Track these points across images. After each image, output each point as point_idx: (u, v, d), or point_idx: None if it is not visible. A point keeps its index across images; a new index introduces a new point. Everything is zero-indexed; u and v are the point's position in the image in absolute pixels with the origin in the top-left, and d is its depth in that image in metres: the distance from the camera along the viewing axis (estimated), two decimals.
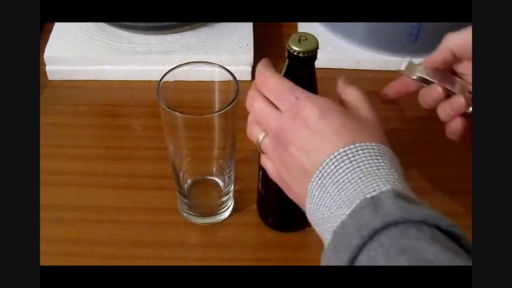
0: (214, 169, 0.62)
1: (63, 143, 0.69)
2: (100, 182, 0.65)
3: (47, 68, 0.76)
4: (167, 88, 0.53)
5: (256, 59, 0.75)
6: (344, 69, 0.77)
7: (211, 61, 0.57)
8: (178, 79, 0.55)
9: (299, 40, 0.49)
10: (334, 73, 0.71)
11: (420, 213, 0.39)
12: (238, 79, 0.54)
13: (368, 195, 0.40)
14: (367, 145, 0.43)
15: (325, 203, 0.42)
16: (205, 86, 0.58)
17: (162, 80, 0.54)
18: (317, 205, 0.43)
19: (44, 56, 0.75)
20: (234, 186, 0.62)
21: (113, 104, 0.75)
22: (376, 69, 0.78)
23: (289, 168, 0.46)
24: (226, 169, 0.60)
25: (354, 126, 0.44)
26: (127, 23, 0.77)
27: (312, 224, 0.45)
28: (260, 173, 0.57)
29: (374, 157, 0.42)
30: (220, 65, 0.55)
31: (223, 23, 0.79)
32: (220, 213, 0.62)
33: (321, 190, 0.42)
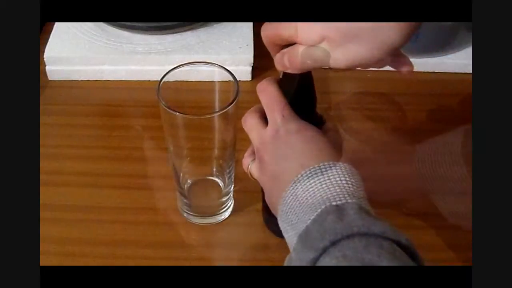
0: (214, 169, 0.62)
1: (63, 143, 0.69)
2: (100, 182, 0.65)
3: (47, 68, 0.76)
4: (167, 88, 0.53)
5: (256, 59, 0.75)
6: (344, 69, 0.77)
7: (211, 61, 0.57)
8: (178, 79, 0.55)
9: None
10: (334, 73, 0.71)
11: (381, 227, 0.40)
12: (238, 79, 0.54)
13: (334, 203, 0.42)
14: (340, 164, 0.45)
15: (294, 209, 0.44)
16: (205, 86, 0.58)
17: (162, 81, 0.54)
18: (287, 212, 0.45)
19: (44, 56, 0.75)
20: (234, 186, 0.62)
21: (113, 104, 0.75)
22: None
23: (265, 178, 0.49)
24: (226, 169, 0.60)
25: (326, 146, 0.47)
26: (127, 23, 0.77)
27: (282, 231, 0.47)
28: None
29: (345, 174, 0.45)
30: (220, 65, 0.55)
31: (223, 23, 0.79)
32: (220, 214, 0.62)
33: (293, 198, 0.45)
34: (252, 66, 0.76)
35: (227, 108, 0.52)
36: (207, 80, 0.58)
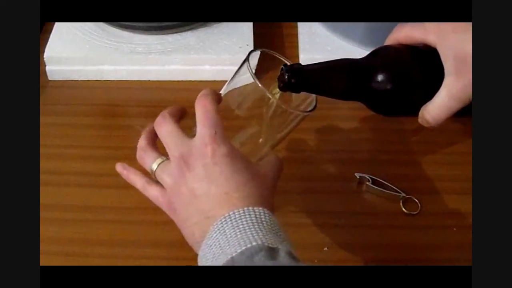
0: None
1: (63, 143, 0.69)
2: (100, 182, 0.65)
3: (47, 68, 0.76)
4: (164, 88, 0.53)
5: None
6: None
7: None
8: (178, 79, 0.55)
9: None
10: None
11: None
12: None
13: (266, 244, 0.42)
14: (269, 212, 0.45)
15: (219, 243, 0.43)
16: (206, 86, 0.58)
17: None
18: (210, 246, 0.44)
19: (44, 56, 0.75)
20: None
21: (113, 104, 0.75)
22: None
23: (182, 189, 0.48)
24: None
25: (252, 181, 0.47)
26: (127, 23, 0.77)
27: (200, 264, 0.46)
28: None
29: (276, 224, 0.45)
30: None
31: (223, 23, 0.79)
32: None
33: (219, 232, 0.44)
34: None
35: (310, 111, 0.50)
36: (207, 80, 0.58)
